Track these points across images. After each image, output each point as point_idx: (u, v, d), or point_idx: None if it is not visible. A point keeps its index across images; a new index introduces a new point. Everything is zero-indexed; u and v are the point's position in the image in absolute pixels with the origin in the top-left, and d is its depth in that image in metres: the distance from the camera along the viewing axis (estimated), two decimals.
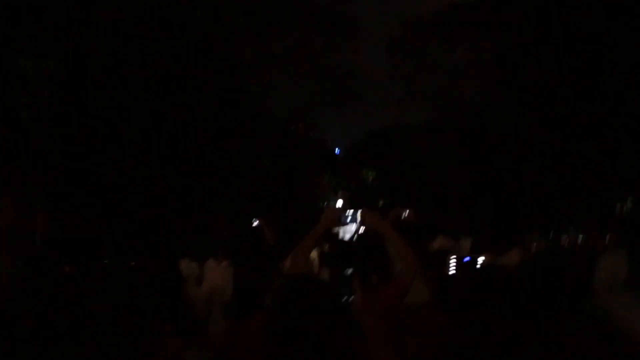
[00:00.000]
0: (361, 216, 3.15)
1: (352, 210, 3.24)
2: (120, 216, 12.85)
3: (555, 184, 16.42)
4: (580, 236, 20.38)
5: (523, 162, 16.99)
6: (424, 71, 18.99)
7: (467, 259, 4.37)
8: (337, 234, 6.47)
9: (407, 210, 4.95)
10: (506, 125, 16.74)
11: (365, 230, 4.86)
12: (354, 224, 3.51)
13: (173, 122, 13.07)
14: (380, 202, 28.00)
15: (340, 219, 3.18)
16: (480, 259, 4.19)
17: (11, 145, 11.38)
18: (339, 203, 32.49)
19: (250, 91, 15.88)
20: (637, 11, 12.78)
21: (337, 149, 34.38)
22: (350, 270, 2.52)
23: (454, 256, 4.96)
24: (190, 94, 13.31)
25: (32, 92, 11.58)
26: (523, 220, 18.18)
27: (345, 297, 2.58)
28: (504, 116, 16.61)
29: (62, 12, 11.57)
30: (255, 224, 6.35)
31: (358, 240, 5.70)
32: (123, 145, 12.55)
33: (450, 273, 4.15)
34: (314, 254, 7.46)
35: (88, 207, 12.47)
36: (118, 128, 12.33)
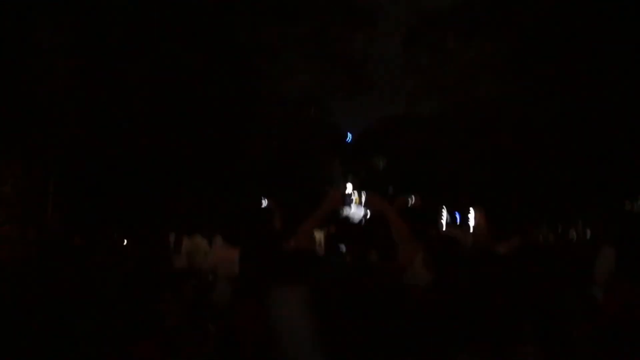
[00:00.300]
0: (366, 198, 3.24)
1: (356, 193, 3.32)
2: (130, 190, 13.03)
3: (565, 179, 16.42)
4: (588, 231, 20.41)
5: (534, 155, 16.99)
6: (439, 63, 18.94)
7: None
8: (343, 216, 6.57)
9: (414, 197, 5.06)
10: (519, 119, 16.73)
11: (371, 214, 4.98)
12: (362, 207, 3.61)
13: (187, 100, 13.18)
14: (390, 189, 28.05)
15: (344, 201, 3.26)
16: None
17: (25, 115, 11.52)
18: (349, 188, 32.57)
19: (266, 74, 15.95)
20: None
21: (349, 135, 34.36)
22: (343, 247, 2.62)
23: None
24: (206, 73, 13.39)
25: (48, 63, 11.67)
26: (531, 212, 18.21)
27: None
28: (517, 111, 16.59)
29: None
30: (264, 204, 6.47)
31: (364, 222, 5.83)
32: (136, 121, 12.68)
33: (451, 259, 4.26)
34: (319, 235, 7.58)
35: (99, 180, 12.63)
36: (132, 103, 12.45)
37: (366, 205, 3.36)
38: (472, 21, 17.51)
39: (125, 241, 9.79)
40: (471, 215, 2.79)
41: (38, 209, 12.07)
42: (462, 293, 1.88)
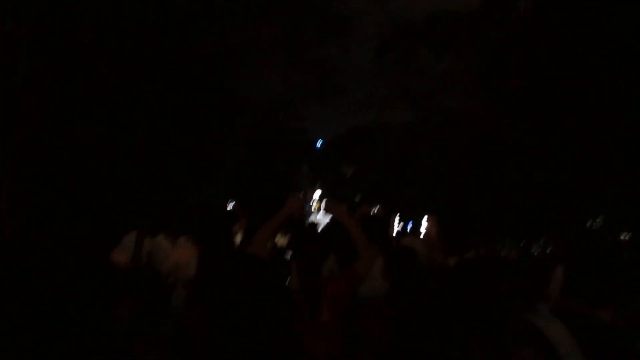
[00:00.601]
0: (325, 205, 3.24)
1: (317, 200, 3.32)
2: (92, 187, 12.77)
3: (529, 194, 16.69)
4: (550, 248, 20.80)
5: (500, 169, 17.25)
6: (410, 74, 19.15)
7: None
8: (303, 223, 6.56)
9: (378, 207, 5.09)
10: (486, 132, 16.98)
11: (333, 221, 4.98)
12: (324, 214, 3.60)
13: (156, 98, 13.00)
14: (358, 197, 28.18)
15: (304, 207, 3.26)
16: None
17: None
18: (316, 195, 32.73)
19: (236, 76, 15.84)
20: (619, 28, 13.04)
21: (319, 141, 34.47)
22: (290, 253, 2.61)
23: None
24: (175, 73, 13.24)
25: (9, 54, 11.37)
26: (494, 225, 18.48)
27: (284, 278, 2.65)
28: (485, 124, 16.85)
29: None
30: (230, 206, 6.43)
31: (323, 229, 5.82)
32: (100, 115, 12.45)
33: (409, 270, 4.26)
34: (282, 240, 7.54)
35: (58, 174, 12.36)
36: (96, 102, 12.21)
37: (326, 212, 3.36)
38: (445, 34, 17.74)
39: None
40: (424, 223, 2.79)
41: None
42: (412, 308, 1.85)
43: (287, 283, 2.82)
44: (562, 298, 3.67)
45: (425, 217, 2.81)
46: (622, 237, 19.31)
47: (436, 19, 17.94)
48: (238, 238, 4.82)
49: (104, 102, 12.25)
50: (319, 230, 6.49)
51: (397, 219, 2.58)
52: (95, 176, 12.90)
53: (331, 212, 3.26)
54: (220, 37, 14.83)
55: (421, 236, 2.77)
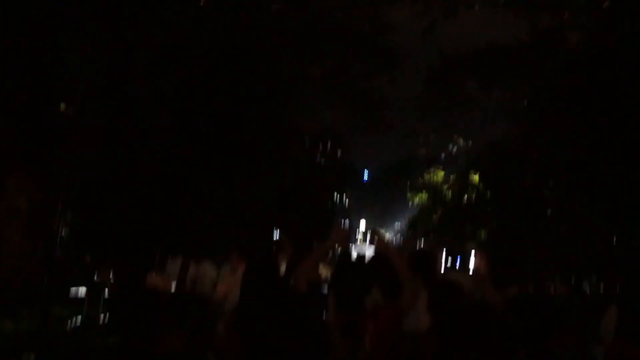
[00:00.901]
0: (371, 237, 3.26)
1: (363, 231, 3.35)
2: (141, 213, 13.08)
3: (583, 229, 16.21)
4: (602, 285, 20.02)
5: (551, 203, 16.86)
6: (458, 107, 19.05)
7: None
8: (348, 254, 6.56)
9: (424, 239, 5.08)
10: (536, 166, 16.68)
11: (377, 253, 4.97)
12: (371, 246, 3.59)
13: (207, 127, 13.33)
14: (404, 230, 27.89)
15: (348, 238, 3.29)
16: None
17: (43, 129, 11.67)
18: (362, 224, 32.54)
19: (285, 109, 16.11)
20: None
21: (365, 173, 34.49)
22: (325, 288, 2.61)
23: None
24: (226, 103, 13.58)
25: (69, 76, 11.85)
26: (544, 260, 17.96)
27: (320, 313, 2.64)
28: (534, 158, 16.56)
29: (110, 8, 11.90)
30: (275, 234, 6.53)
31: (367, 261, 5.81)
32: (153, 143, 12.82)
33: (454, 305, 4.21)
34: (325, 272, 7.56)
35: (111, 199, 12.72)
36: (151, 126, 12.61)
37: (372, 244, 3.38)
38: (493, 67, 17.63)
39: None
40: (472, 259, 2.77)
41: (50, 224, 12.14)
42: (455, 344, 1.84)
43: (324, 317, 2.82)
44: (615, 340, 3.58)
45: (474, 251, 2.79)
46: None
47: (485, 52, 17.86)
48: (283, 267, 4.86)
49: (155, 128, 12.64)
50: (363, 261, 6.49)
51: (444, 253, 2.56)
52: (146, 201, 13.25)
53: (377, 244, 3.27)
54: (272, 70, 15.17)
55: (470, 271, 2.75)
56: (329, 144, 21.35)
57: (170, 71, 12.73)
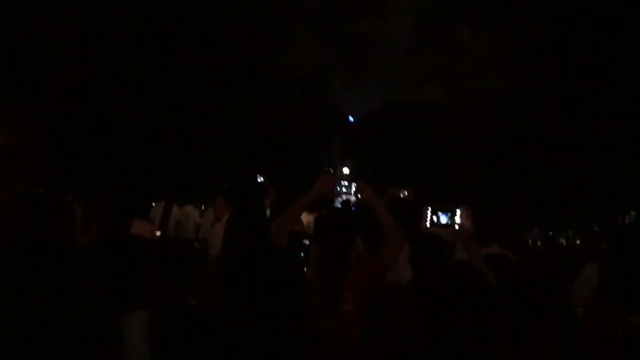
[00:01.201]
0: (357, 188, 3.16)
1: (346, 182, 3.24)
2: (123, 154, 12.90)
3: (561, 184, 16.35)
4: (578, 241, 20.42)
5: (533, 157, 16.90)
6: (448, 52, 18.76)
7: None
8: (332, 203, 6.48)
9: (406, 192, 4.95)
10: (521, 117, 16.61)
11: (362, 203, 4.87)
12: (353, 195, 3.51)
13: (187, 67, 12.97)
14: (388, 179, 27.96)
15: (333, 189, 3.17)
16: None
17: (23, 67, 11.33)
18: (345, 171, 32.55)
19: (270, 46, 15.69)
20: None
21: (350, 117, 34.16)
22: (307, 241, 2.53)
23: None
24: (207, 40, 13.17)
25: (49, 18, 11.46)
26: (523, 214, 18.17)
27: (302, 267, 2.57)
28: (521, 108, 16.46)
29: None
30: (259, 180, 6.40)
31: (353, 211, 5.73)
32: (133, 82, 12.50)
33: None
34: (309, 218, 7.48)
35: (92, 141, 12.52)
36: (129, 69, 12.25)
37: (357, 194, 3.29)
38: (484, 12, 17.29)
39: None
40: (457, 215, 2.67)
41: (30, 161, 11.95)
42: (435, 298, 1.77)
43: (305, 270, 2.74)
44: (595, 299, 3.56)
45: (458, 210, 2.69)
46: None
47: None
48: (267, 213, 4.76)
49: (136, 68, 12.29)
50: (348, 209, 6.40)
51: (429, 210, 2.47)
52: (124, 147, 13.04)
53: (363, 195, 3.17)
54: (257, 6, 14.68)
55: (456, 227, 2.65)
56: (315, 86, 20.98)
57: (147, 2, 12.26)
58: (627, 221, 18.50)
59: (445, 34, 18.81)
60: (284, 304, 1.57)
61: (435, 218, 2.70)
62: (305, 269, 2.69)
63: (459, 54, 18.87)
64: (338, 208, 6.04)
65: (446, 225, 2.69)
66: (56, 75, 11.29)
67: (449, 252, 5.13)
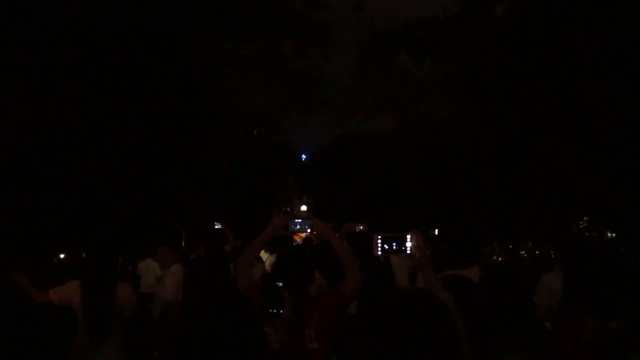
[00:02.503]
0: (311, 224, 3.15)
1: (300, 219, 3.22)
2: (74, 210, 12.54)
3: (515, 198, 16.69)
4: (537, 251, 20.85)
5: (483, 176, 17.25)
6: (392, 81, 19.15)
7: None
8: (291, 240, 6.42)
9: (363, 224, 5.07)
10: (469, 139, 16.98)
11: (320, 239, 4.86)
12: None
13: (134, 116, 12.82)
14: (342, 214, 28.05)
15: (287, 227, 3.15)
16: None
17: None
18: (303, 208, 32.48)
19: (217, 91, 15.70)
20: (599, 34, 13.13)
21: (303, 155, 34.43)
22: (280, 283, 2.47)
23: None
24: (156, 90, 13.09)
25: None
26: (482, 233, 18.46)
27: (275, 311, 2.52)
28: (467, 130, 16.85)
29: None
30: (217, 226, 6.29)
31: (313, 247, 5.68)
32: (80, 138, 12.25)
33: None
34: (271, 259, 7.37)
35: (41, 198, 12.12)
36: (76, 120, 12.01)
37: (311, 230, 3.25)
38: (424, 40, 17.77)
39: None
40: (407, 240, 2.68)
41: None
42: (380, 325, 1.73)
43: (280, 312, 2.68)
44: (561, 308, 3.58)
45: (409, 234, 2.70)
46: (608, 235, 19.45)
47: (414, 26, 17.96)
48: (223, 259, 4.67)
49: (82, 119, 12.07)
50: (309, 245, 6.36)
51: (379, 237, 2.47)
52: (79, 198, 12.69)
53: (318, 232, 3.16)
54: (199, 52, 14.73)
55: (408, 251, 2.66)
56: (264, 127, 21.06)
57: (92, 57, 12.13)
58: (580, 226, 19.02)
59: (387, 65, 19.22)
60: (239, 349, 1.52)
61: (386, 245, 2.70)
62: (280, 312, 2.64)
63: (403, 83, 19.28)
64: (296, 245, 6.00)
65: (396, 250, 2.69)
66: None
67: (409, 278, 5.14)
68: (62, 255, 15.90)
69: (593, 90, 13.39)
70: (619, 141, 13.30)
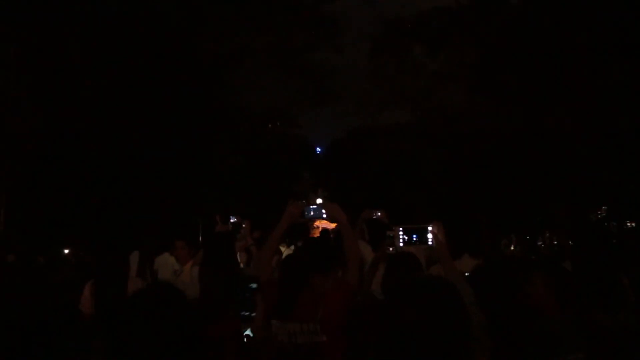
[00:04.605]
0: (324, 209, 3.12)
1: (315, 206, 3.19)
2: (90, 208, 12.67)
3: (532, 188, 16.55)
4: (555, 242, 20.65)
5: (501, 165, 17.11)
6: (406, 73, 19.02)
7: None
8: (307, 232, 6.42)
9: (379, 212, 5.00)
10: (485, 130, 16.84)
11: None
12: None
13: (150, 113, 12.89)
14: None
15: (303, 214, 3.13)
16: None
17: None
18: (318, 201, 32.34)
19: (230, 86, 15.71)
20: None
21: (317, 147, 34.39)
22: (255, 285, 2.43)
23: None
24: (169, 86, 13.15)
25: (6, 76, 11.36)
26: (497, 223, 18.33)
27: (248, 313, 2.44)
28: (483, 121, 16.70)
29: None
30: (232, 221, 6.27)
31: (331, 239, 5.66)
32: (97, 133, 12.36)
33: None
34: (288, 251, 7.38)
35: (55, 194, 12.28)
36: (93, 117, 12.12)
37: (327, 217, 3.22)
38: (437, 31, 17.63)
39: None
40: (428, 232, 2.67)
41: None
42: (405, 317, 1.70)
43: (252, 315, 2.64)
44: (575, 302, 3.54)
45: (430, 225, 2.67)
46: (628, 225, 19.23)
47: (427, 16, 17.83)
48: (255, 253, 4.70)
49: (98, 118, 12.18)
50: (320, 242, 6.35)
51: (401, 230, 2.46)
52: (92, 197, 12.81)
53: (331, 216, 3.12)
54: (212, 46, 14.74)
55: (429, 243, 2.65)
56: (279, 121, 21.02)
57: (105, 52, 12.21)
58: (599, 216, 18.82)
59: (401, 56, 19.10)
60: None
61: (407, 237, 2.69)
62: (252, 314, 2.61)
63: (417, 74, 19.15)
64: (312, 239, 5.97)
65: (417, 242, 2.68)
66: (18, 133, 11.14)
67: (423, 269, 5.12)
68: (66, 251, 15.90)
69: (611, 78, 13.22)
70: (637, 129, 13.13)
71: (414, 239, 2.68)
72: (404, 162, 22.62)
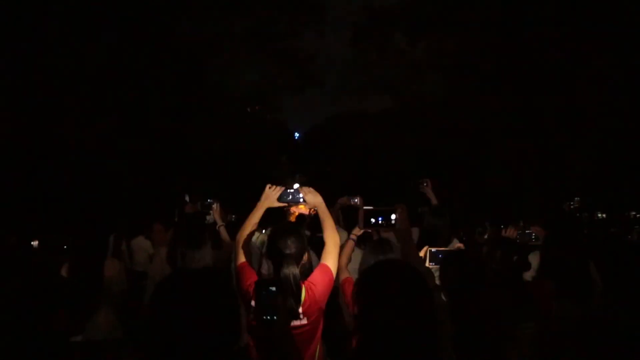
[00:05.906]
0: (302, 193, 3.10)
1: (293, 189, 3.16)
2: (64, 188, 12.51)
3: (506, 178, 16.76)
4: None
5: (477, 155, 17.28)
6: (386, 61, 19.04)
7: None
8: (286, 213, 6.42)
9: (358, 198, 4.99)
10: (462, 119, 16.97)
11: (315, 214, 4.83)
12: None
13: (127, 95, 12.73)
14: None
15: (280, 197, 3.12)
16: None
17: None
18: (296, 186, 32.29)
19: (208, 69, 15.55)
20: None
21: (296, 133, 34.33)
22: (274, 288, 2.37)
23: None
24: (146, 68, 12.99)
25: None
26: (472, 212, 18.54)
27: (269, 317, 2.40)
28: (461, 110, 16.83)
29: None
30: (209, 202, 6.23)
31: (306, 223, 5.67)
32: (72, 114, 12.18)
33: None
34: (262, 237, 7.37)
35: (30, 177, 12.09)
36: (71, 98, 11.94)
37: (305, 201, 3.19)
38: (420, 19, 17.64)
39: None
40: (392, 215, 2.71)
41: None
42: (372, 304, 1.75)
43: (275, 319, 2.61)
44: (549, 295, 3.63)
45: (395, 208, 2.72)
46: (598, 216, 19.61)
47: (410, 4, 17.80)
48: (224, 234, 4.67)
49: (72, 100, 12.00)
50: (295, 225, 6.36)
51: (364, 211, 2.49)
52: (67, 178, 12.64)
53: (308, 200, 3.11)
54: (193, 31, 14.57)
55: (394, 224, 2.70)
56: (258, 106, 20.90)
57: (82, 35, 12.00)
58: (572, 207, 19.14)
59: (382, 44, 19.09)
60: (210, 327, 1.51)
61: (372, 219, 2.73)
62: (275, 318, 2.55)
63: (397, 62, 19.17)
64: (288, 222, 5.98)
65: (381, 224, 2.71)
66: None
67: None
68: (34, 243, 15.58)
69: (588, 71, 13.40)
70: (612, 121, 13.35)
71: (380, 220, 2.72)
72: (383, 149, 22.70)
